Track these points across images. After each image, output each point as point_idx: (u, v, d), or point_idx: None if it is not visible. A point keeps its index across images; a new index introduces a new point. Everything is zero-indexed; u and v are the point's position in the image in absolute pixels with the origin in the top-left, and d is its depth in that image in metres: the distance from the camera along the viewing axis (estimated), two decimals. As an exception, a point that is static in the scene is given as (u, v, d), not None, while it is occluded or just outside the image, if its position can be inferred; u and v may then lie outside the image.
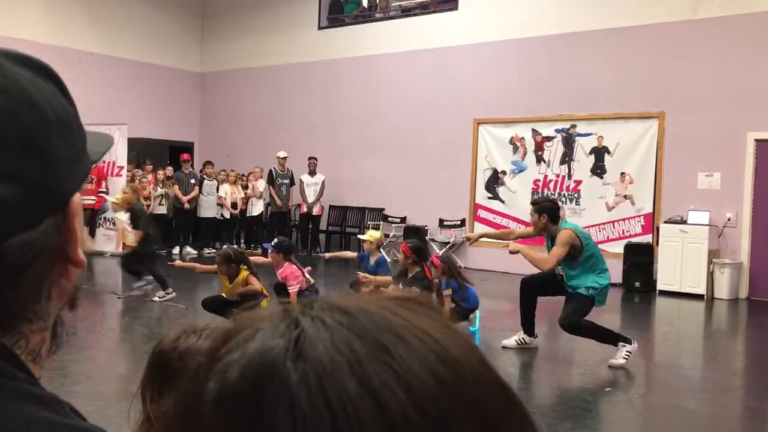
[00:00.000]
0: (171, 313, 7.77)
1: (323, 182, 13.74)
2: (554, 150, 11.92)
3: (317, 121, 14.68)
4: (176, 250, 13.43)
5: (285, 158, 13.77)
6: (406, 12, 14.11)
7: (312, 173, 13.79)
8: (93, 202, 12.23)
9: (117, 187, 12.71)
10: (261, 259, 7.25)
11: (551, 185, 11.95)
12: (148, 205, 13.12)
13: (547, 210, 6.09)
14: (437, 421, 0.35)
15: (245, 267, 6.35)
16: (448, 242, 12.45)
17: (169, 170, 13.71)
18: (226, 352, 0.38)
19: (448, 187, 12.82)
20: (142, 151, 14.22)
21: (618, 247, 10.81)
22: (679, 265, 10.02)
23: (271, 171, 13.87)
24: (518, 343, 6.42)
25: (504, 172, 12.47)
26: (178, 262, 7.33)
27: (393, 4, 14.44)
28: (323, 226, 14.13)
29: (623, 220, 11.19)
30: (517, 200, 12.23)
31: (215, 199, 13.76)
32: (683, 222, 10.23)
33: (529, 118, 12.05)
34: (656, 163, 10.90)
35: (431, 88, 13.11)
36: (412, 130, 13.30)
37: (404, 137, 13.39)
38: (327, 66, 14.60)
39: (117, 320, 7.83)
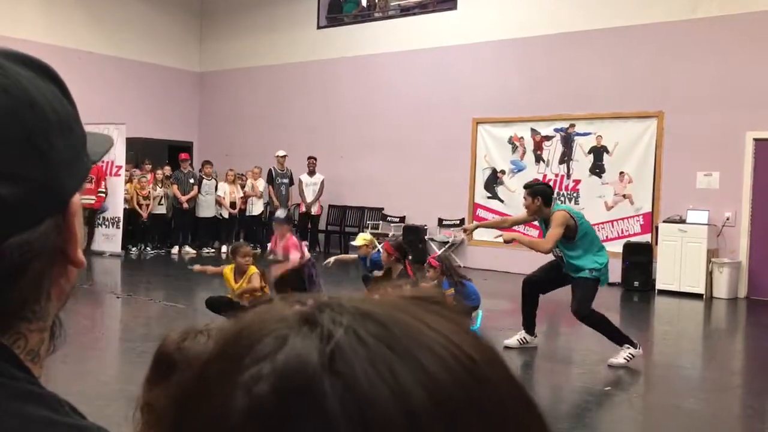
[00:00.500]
0: (170, 313, 7.77)
1: (322, 182, 13.73)
2: (553, 149, 11.93)
3: (316, 120, 14.67)
4: (175, 249, 13.43)
5: (284, 157, 13.77)
6: (405, 11, 14.11)
7: (311, 173, 13.79)
8: (92, 201, 12.23)
9: (116, 187, 12.74)
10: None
11: (550, 185, 11.94)
12: (148, 205, 13.14)
13: (540, 192, 6.06)
14: None
15: (254, 264, 6.54)
16: (447, 242, 12.46)
17: (167, 170, 13.71)
18: (251, 362, 0.36)
19: (447, 187, 12.82)
20: (141, 151, 14.21)
21: (617, 247, 10.80)
22: (678, 264, 10.03)
23: (270, 170, 13.86)
24: (520, 343, 6.40)
25: (503, 172, 12.47)
26: (197, 267, 7.37)
27: (392, 4, 14.44)
28: (322, 225, 14.13)
29: (622, 219, 11.20)
30: (516, 200, 12.19)
31: (214, 199, 13.75)
32: (682, 221, 10.23)
33: (528, 118, 12.05)
34: (655, 162, 10.91)
35: (430, 88, 13.11)
36: (411, 130, 13.30)
37: (403, 137, 13.39)
38: (326, 65, 14.60)
39: (116, 320, 7.83)
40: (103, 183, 12.52)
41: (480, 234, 12.70)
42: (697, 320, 8.90)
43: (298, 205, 13.85)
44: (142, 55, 15.61)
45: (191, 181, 13.60)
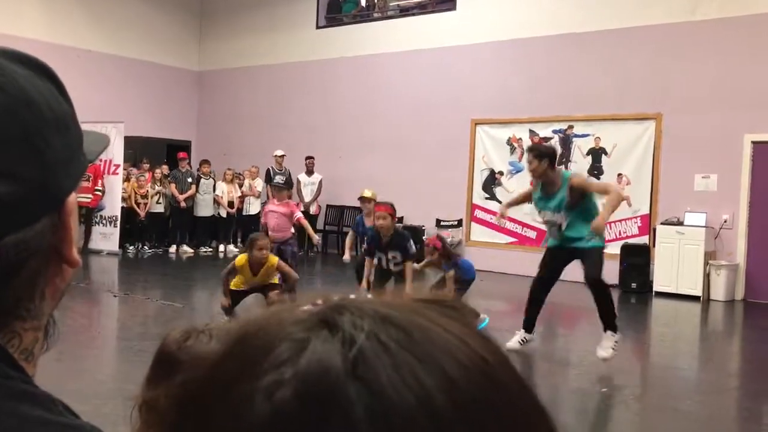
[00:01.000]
0: (167, 312, 7.77)
1: (320, 181, 13.73)
2: (551, 151, 11.91)
3: (315, 120, 14.67)
4: (173, 248, 13.42)
5: (282, 156, 13.76)
6: (405, 12, 14.12)
7: (309, 172, 13.79)
8: (89, 200, 12.21)
9: (114, 185, 12.73)
10: None
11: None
12: (145, 204, 13.13)
13: (547, 154, 5.91)
14: None
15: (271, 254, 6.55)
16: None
17: (165, 168, 13.71)
18: (270, 366, 0.35)
19: (445, 187, 12.82)
20: (140, 150, 14.20)
21: (614, 248, 10.79)
22: (676, 266, 10.03)
23: (268, 170, 13.85)
24: (521, 343, 6.31)
25: (501, 173, 12.47)
26: (223, 300, 6.56)
27: (391, 4, 14.44)
28: (320, 225, 14.12)
29: (620, 221, 11.19)
30: (514, 201, 12.23)
31: (212, 198, 13.75)
32: (680, 223, 10.24)
33: (527, 119, 12.05)
34: (653, 164, 10.91)
35: (429, 88, 13.11)
36: (410, 130, 13.30)
37: (402, 137, 13.39)
38: (325, 65, 14.60)
39: (113, 318, 7.82)
40: (99, 181, 12.50)
41: (478, 235, 12.74)
42: (694, 322, 8.91)
43: (297, 204, 13.84)
44: (142, 53, 15.60)
45: (189, 180, 13.59)
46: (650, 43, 10.84)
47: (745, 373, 6.46)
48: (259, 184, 13.96)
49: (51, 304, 0.60)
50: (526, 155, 6.15)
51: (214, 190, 13.73)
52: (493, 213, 12.46)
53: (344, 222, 14.13)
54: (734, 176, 10.20)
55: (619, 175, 11.25)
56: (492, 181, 12.58)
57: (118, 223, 12.66)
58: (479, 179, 12.72)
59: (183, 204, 13.37)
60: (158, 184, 13.35)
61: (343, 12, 14.95)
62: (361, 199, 7.93)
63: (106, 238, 12.69)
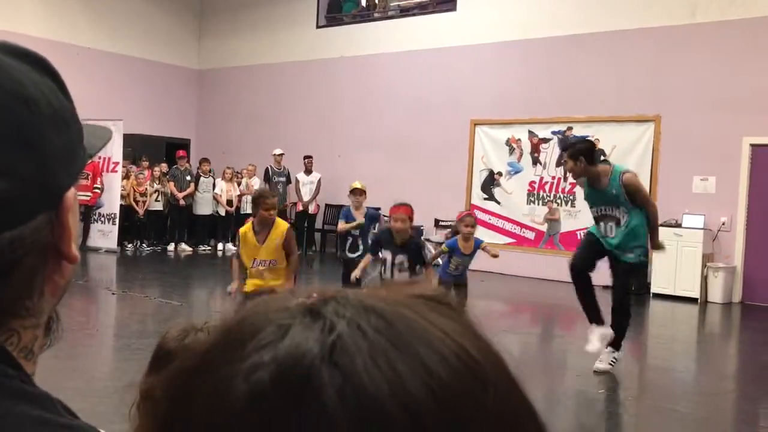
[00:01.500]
0: (165, 310, 7.76)
1: (319, 180, 13.73)
2: (550, 152, 11.93)
3: (314, 119, 14.66)
4: (171, 246, 13.41)
5: (281, 155, 13.76)
6: (405, 12, 14.11)
7: (308, 172, 13.78)
8: (88, 198, 12.21)
9: (113, 183, 12.72)
10: None
11: (547, 187, 11.96)
12: (144, 201, 13.12)
13: (582, 152, 5.41)
14: None
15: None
16: (444, 242, 12.45)
17: (164, 166, 13.70)
18: (253, 350, 0.36)
19: (444, 188, 12.81)
20: (139, 147, 14.19)
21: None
22: (673, 268, 10.04)
23: (267, 169, 13.85)
24: (611, 364, 5.63)
25: (500, 174, 12.47)
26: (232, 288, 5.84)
27: (391, 4, 14.44)
28: (319, 224, 14.12)
29: (618, 222, 11.21)
30: (512, 201, 12.24)
31: (211, 196, 13.74)
32: (678, 225, 10.24)
33: (526, 120, 12.05)
34: (652, 166, 10.91)
35: (428, 89, 13.10)
36: (409, 130, 13.29)
37: (401, 137, 13.38)
38: (325, 65, 14.59)
39: (111, 316, 7.81)
40: (98, 179, 12.50)
41: (477, 235, 12.69)
42: (691, 324, 8.91)
43: (295, 203, 13.85)
44: (141, 51, 15.59)
45: (188, 178, 13.59)
46: (650, 45, 10.84)
47: (742, 376, 6.47)
48: (257, 182, 13.95)
49: (51, 301, 0.59)
50: (564, 155, 5.72)
51: (213, 188, 13.72)
52: (492, 214, 12.48)
53: (343, 221, 14.11)
54: (733, 179, 10.20)
55: (618, 176, 11.24)
56: (491, 182, 12.58)
57: (117, 220, 12.66)
58: (478, 180, 12.71)
59: (182, 202, 13.36)
60: (157, 182, 13.34)
61: (344, 12, 14.95)
62: (354, 191, 7.33)
63: (105, 235, 12.69)
